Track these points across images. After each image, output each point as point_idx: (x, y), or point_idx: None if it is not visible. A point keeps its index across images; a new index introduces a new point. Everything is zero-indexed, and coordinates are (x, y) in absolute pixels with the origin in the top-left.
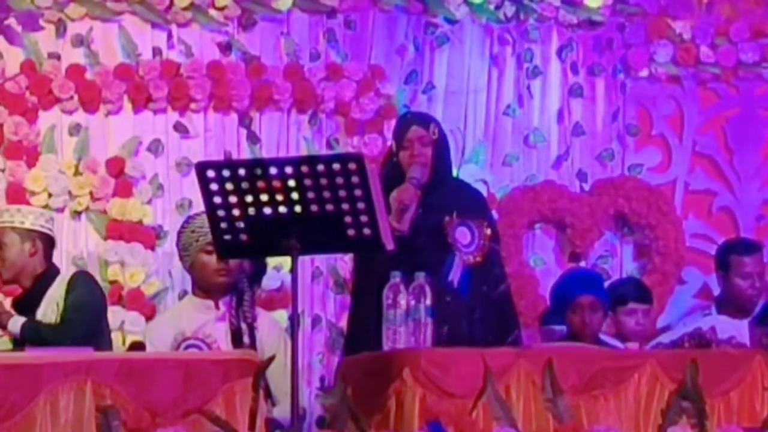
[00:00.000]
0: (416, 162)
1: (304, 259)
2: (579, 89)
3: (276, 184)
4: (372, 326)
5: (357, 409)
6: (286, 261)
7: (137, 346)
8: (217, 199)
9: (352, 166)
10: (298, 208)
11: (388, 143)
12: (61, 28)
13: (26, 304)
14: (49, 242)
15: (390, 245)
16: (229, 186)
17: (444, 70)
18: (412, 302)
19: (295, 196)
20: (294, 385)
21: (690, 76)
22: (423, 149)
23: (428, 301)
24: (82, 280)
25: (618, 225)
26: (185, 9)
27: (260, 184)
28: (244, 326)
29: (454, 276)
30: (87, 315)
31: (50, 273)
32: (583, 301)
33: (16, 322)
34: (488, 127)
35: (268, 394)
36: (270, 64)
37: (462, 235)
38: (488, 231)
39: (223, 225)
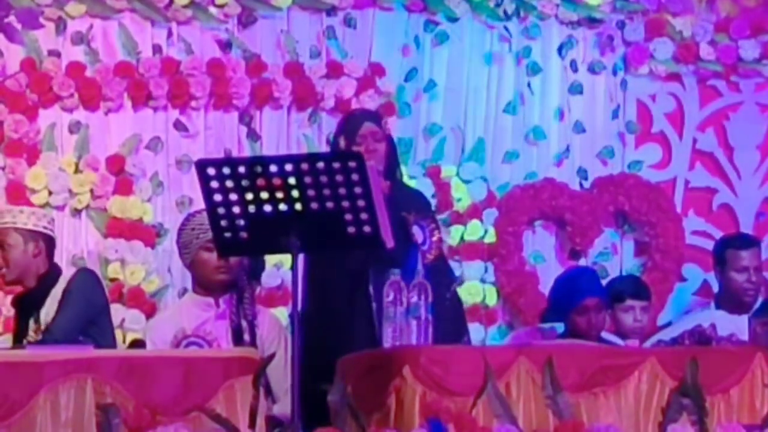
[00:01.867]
0: (373, 157)
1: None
2: (579, 87)
3: (276, 181)
4: (342, 321)
5: (357, 407)
6: (286, 258)
7: (137, 343)
8: (218, 197)
9: (352, 164)
10: (298, 206)
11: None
12: (61, 26)
13: (29, 303)
14: (50, 243)
15: (390, 243)
16: (229, 184)
17: (444, 68)
18: (413, 299)
19: (295, 193)
20: (294, 382)
21: (690, 73)
22: (377, 144)
23: (429, 299)
24: (77, 279)
25: (618, 222)
26: (185, 7)
27: (260, 181)
28: (244, 324)
29: (419, 272)
30: (72, 316)
31: (53, 273)
32: (590, 304)
33: None
34: (488, 125)
35: (269, 392)
36: (270, 61)
37: (417, 233)
38: (437, 232)
39: (224, 223)
